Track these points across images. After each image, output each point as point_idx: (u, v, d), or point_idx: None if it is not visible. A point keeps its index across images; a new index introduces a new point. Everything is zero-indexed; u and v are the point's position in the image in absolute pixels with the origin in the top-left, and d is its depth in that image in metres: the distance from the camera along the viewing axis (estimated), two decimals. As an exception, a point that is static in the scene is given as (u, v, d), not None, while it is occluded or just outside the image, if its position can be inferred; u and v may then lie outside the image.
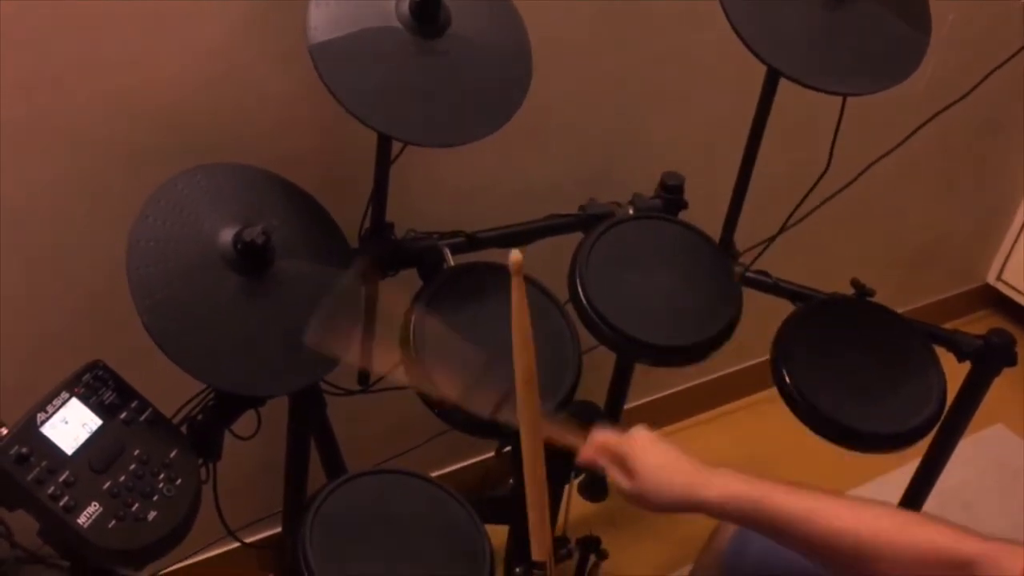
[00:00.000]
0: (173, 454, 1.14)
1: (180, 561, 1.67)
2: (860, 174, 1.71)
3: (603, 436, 1.14)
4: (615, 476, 1.11)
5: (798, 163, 1.66)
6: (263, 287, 1.22)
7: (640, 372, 1.95)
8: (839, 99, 1.45)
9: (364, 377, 1.60)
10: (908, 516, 1.01)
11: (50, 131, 1.28)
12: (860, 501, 1.02)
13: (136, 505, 1.08)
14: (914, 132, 1.68)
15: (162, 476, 1.12)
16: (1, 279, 1.33)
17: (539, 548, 1.07)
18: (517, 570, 1.57)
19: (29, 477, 1.03)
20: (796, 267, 1.69)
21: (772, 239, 1.65)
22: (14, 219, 1.30)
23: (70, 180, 1.32)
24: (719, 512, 1.06)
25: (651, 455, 1.09)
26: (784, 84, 1.43)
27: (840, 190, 1.71)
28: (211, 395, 1.28)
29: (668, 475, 1.08)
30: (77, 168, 1.32)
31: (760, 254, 1.66)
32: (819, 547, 1.00)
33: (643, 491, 1.08)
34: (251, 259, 1.20)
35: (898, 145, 1.68)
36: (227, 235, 1.20)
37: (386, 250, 1.43)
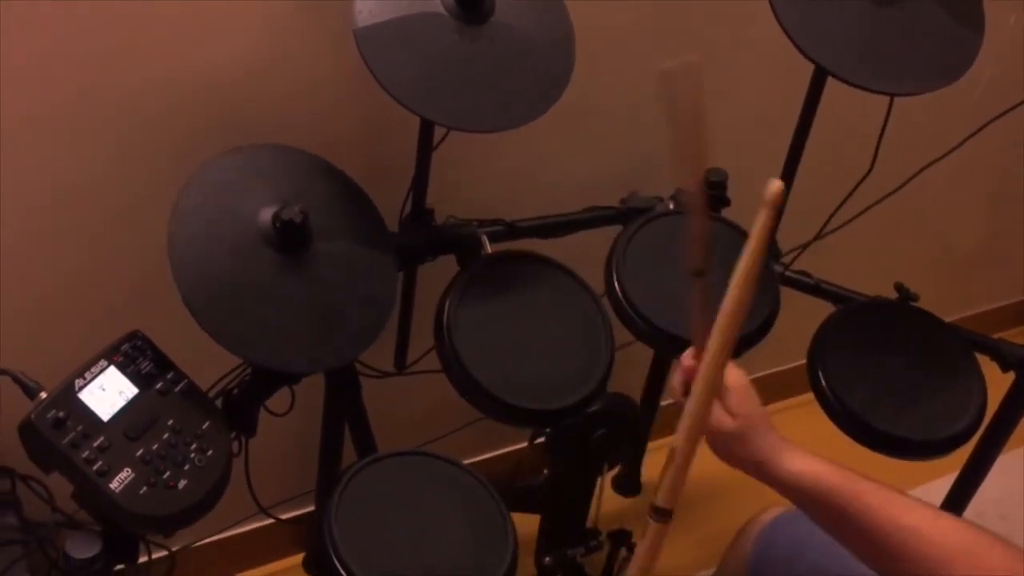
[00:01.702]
0: (206, 425, 1.17)
1: (216, 534, 1.70)
2: (911, 178, 1.68)
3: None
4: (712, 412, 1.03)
5: (845, 164, 1.64)
6: (301, 266, 1.24)
7: (677, 369, 1.94)
8: (887, 99, 1.44)
9: (400, 360, 1.61)
10: (983, 533, 0.94)
11: (100, 112, 1.30)
12: (937, 509, 0.97)
13: (167, 473, 1.10)
14: (968, 138, 1.65)
15: (194, 446, 1.14)
16: (49, 252, 1.37)
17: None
18: (546, 560, 1.57)
19: (65, 440, 1.06)
20: (840, 269, 1.67)
21: (811, 241, 1.63)
22: (64, 194, 1.34)
23: (118, 159, 1.35)
24: (789, 486, 1.00)
25: (754, 402, 1.03)
26: (832, 83, 1.41)
27: (889, 194, 1.68)
28: (247, 371, 1.31)
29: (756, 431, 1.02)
30: (125, 147, 1.34)
31: (800, 254, 1.64)
32: (885, 543, 0.95)
33: (744, 433, 1.01)
34: (289, 238, 1.21)
35: (951, 151, 1.65)
36: (266, 214, 1.22)
37: (425, 236, 1.45)
